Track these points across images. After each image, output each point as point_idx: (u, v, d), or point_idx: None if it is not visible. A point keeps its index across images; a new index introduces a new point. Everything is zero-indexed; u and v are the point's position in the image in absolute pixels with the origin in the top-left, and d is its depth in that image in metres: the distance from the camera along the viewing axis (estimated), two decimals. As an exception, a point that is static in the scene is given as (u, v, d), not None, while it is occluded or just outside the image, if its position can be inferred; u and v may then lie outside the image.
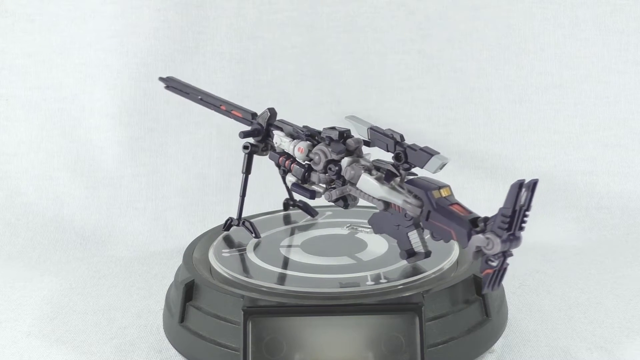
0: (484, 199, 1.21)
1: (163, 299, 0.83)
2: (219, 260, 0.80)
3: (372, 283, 0.73)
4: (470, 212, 0.69)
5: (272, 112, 0.87)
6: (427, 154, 0.71)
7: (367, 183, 0.74)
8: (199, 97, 0.94)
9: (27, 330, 0.86)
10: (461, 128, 1.25)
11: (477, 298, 0.75)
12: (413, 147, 0.72)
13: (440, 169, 0.70)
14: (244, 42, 1.26)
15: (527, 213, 0.65)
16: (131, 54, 1.23)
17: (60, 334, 0.84)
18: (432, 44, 1.26)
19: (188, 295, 0.76)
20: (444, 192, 0.70)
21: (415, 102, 1.26)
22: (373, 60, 1.27)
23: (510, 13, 1.25)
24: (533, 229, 1.15)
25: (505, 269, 0.66)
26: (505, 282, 0.85)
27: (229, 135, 1.25)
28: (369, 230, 0.83)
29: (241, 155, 0.89)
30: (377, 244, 0.84)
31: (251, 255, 0.82)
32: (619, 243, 1.11)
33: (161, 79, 0.97)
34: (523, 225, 0.65)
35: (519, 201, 0.63)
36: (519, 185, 0.62)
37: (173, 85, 0.97)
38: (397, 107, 1.26)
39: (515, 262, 1.02)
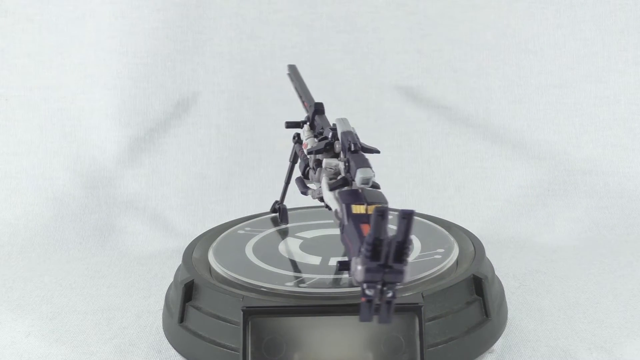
0: (484, 199, 1.21)
1: (163, 299, 0.83)
2: (219, 261, 0.80)
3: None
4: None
5: (316, 107, 0.86)
6: (355, 167, 0.66)
7: (322, 187, 0.72)
8: (299, 91, 0.95)
9: (26, 330, 0.86)
10: (461, 128, 1.25)
11: (477, 298, 0.75)
12: (353, 158, 0.68)
13: (367, 184, 0.65)
14: (244, 42, 1.25)
15: (406, 245, 0.55)
16: (131, 54, 1.23)
17: (60, 334, 0.84)
18: (432, 44, 1.26)
19: (187, 295, 0.76)
20: (370, 210, 0.62)
21: (415, 102, 1.26)
22: (373, 60, 1.27)
23: (510, 13, 1.25)
24: (533, 229, 1.16)
25: (390, 303, 0.57)
26: (505, 282, 0.85)
27: (229, 135, 1.25)
28: None
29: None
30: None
31: (251, 256, 0.82)
32: (619, 243, 1.11)
33: (289, 66, 1.00)
34: (404, 257, 0.56)
35: (383, 230, 0.55)
36: (381, 212, 0.55)
37: (292, 73, 0.99)
38: (397, 107, 1.26)
39: (515, 262, 1.03)
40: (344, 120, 0.76)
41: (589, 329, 0.83)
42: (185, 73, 1.25)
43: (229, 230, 0.91)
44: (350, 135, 0.72)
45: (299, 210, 0.95)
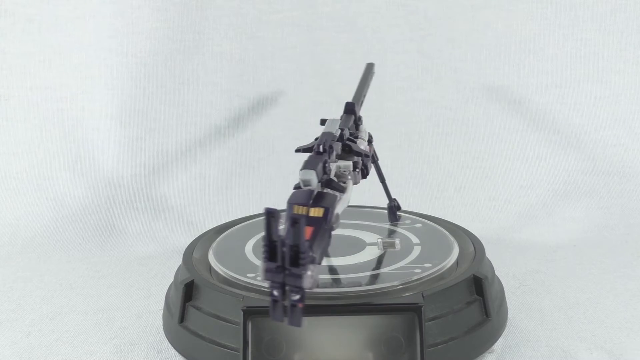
0: (484, 199, 1.21)
1: (163, 299, 0.83)
2: (219, 261, 0.80)
3: (372, 283, 0.73)
4: (313, 239, 0.60)
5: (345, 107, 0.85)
6: (301, 167, 0.65)
7: None
8: (363, 90, 0.93)
9: (27, 330, 0.86)
10: (461, 128, 1.25)
11: (477, 298, 0.75)
12: (308, 158, 0.67)
13: (309, 185, 0.63)
14: (244, 42, 1.26)
15: (302, 249, 0.56)
16: (131, 54, 1.23)
17: (60, 334, 0.84)
18: (432, 44, 1.26)
19: (188, 295, 0.76)
20: (313, 212, 0.62)
21: (415, 102, 1.26)
22: (373, 60, 1.27)
23: (510, 13, 1.25)
24: (533, 229, 1.16)
25: (295, 307, 0.57)
26: (505, 282, 0.85)
27: (229, 135, 1.25)
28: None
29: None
30: (373, 239, 0.84)
31: (251, 256, 0.82)
32: (619, 243, 1.11)
33: (368, 64, 0.97)
34: (299, 262, 0.56)
35: (273, 232, 0.56)
36: (270, 213, 0.56)
37: (369, 70, 0.96)
38: (397, 107, 1.26)
39: (516, 262, 1.03)
40: (333, 121, 0.76)
41: (589, 329, 0.83)
42: (185, 73, 1.25)
43: (229, 230, 0.91)
44: (327, 136, 0.71)
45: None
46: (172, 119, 1.25)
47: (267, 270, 0.56)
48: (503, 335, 0.79)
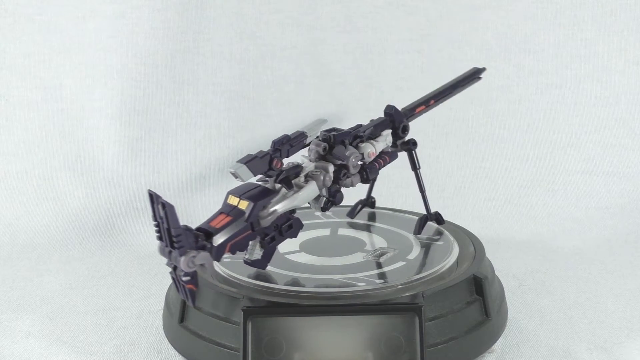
0: (484, 199, 1.21)
1: (163, 299, 0.83)
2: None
3: (372, 283, 0.73)
4: (222, 228, 0.67)
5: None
6: None
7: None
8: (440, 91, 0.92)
9: (27, 330, 0.86)
10: (461, 128, 1.25)
11: (477, 298, 0.75)
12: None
13: (236, 178, 0.69)
14: (244, 42, 1.25)
15: (174, 233, 0.62)
16: (131, 54, 1.23)
17: (60, 334, 0.84)
18: (432, 44, 1.26)
19: (188, 295, 0.76)
20: (241, 205, 0.68)
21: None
22: (373, 60, 1.27)
23: (510, 13, 1.25)
24: (533, 229, 1.16)
25: (182, 285, 0.65)
26: (505, 282, 0.85)
27: (229, 135, 1.25)
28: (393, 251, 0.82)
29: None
30: (376, 244, 0.84)
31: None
32: (619, 243, 1.11)
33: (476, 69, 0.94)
34: (174, 244, 0.63)
35: (155, 213, 0.62)
36: (150, 195, 0.61)
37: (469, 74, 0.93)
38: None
39: (516, 262, 1.03)
40: (318, 122, 0.78)
41: (589, 329, 0.83)
42: (185, 73, 1.25)
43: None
44: (295, 135, 0.75)
45: (299, 211, 0.95)
46: (172, 119, 1.25)
47: (160, 248, 0.64)
48: (503, 335, 0.79)
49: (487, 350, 0.76)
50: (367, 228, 0.90)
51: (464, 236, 0.87)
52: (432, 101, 0.90)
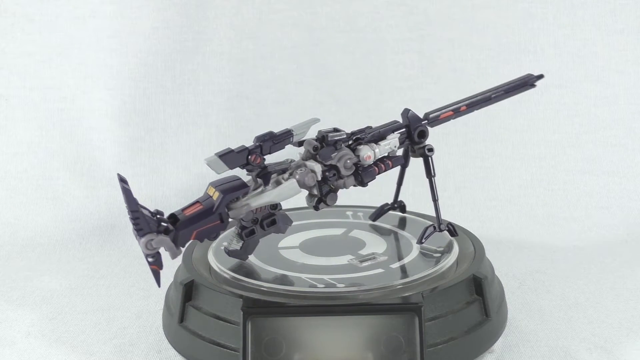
0: (484, 199, 1.21)
1: (163, 299, 0.83)
2: (219, 261, 0.80)
3: (372, 283, 0.73)
4: (191, 216, 0.70)
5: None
6: None
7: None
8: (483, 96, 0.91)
9: (26, 330, 0.86)
10: (461, 128, 1.25)
11: (477, 298, 0.75)
12: None
13: (217, 172, 0.73)
14: (244, 42, 1.26)
15: (131, 215, 0.66)
16: (131, 54, 1.23)
17: (60, 334, 0.84)
18: (432, 44, 1.26)
19: (187, 295, 0.76)
20: (215, 195, 0.71)
21: (415, 102, 1.26)
22: (373, 60, 1.27)
23: (510, 13, 1.25)
24: (533, 229, 1.16)
25: (152, 269, 0.68)
26: (505, 282, 0.85)
27: (229, 135, 1.25)
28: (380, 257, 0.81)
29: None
30: (376, 244, 0.84)
31: (251, 256, 0.82)
32: (619, 243, 1.11)
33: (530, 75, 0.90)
34: (134, 227, 0.66)
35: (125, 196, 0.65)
36: (120, 178, 0.65)
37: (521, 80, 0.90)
38: (397, 107, 1.26)
39: (516, 262, 1.03)
40: (309, 121, 0.78)
41: (589, 329, 0.83)
42: (185, 73, 1.25)
43: (228, 230, 0.91)
44: (280, 132, 0.75)
45: (299, 211, 0.95)
46: (172, 119, 1.25)
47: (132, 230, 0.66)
48: (503, 335, 0.79)
49: (487, 350, 0.76)
50: (386, 232, 0.89)
51: (463, 236, 0.87)
52: (463, 107, 0.87)
